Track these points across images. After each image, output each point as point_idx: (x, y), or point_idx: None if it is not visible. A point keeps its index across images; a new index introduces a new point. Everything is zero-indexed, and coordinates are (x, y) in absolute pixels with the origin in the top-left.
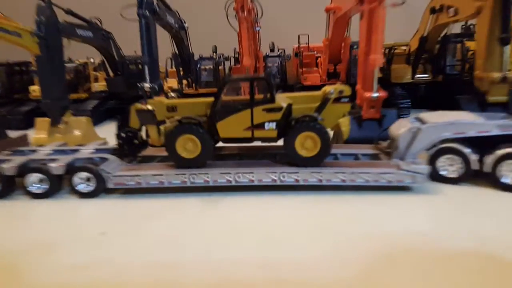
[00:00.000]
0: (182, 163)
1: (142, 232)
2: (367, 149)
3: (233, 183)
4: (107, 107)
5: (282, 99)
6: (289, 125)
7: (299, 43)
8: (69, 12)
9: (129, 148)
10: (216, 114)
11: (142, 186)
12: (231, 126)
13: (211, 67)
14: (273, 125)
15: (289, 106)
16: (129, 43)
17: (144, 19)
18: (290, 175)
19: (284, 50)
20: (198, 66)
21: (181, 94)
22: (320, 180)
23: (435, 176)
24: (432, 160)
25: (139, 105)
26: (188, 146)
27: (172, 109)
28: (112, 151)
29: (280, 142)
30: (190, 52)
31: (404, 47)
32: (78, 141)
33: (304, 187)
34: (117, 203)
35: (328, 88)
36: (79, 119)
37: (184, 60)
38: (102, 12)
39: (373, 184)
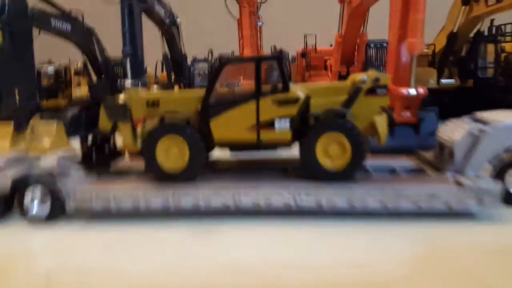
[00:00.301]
0: (163, 177)
1: (105, 273)
2: (406, 161)
3: (232, 207)
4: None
5: (298, 88)
6: (306, 124)
7: (306, 43)
8: None
9: (98, 158)
10: (209, 109)
11: (112, 209)
12: (229, 125)
13: (206, 71)
14: (286, 123)
15: (308, 98)
16: (116, 45)
17: (127, 1)
18: (309, 195)
19: (288, 53)
20: (192, 69)
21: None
22: (352, 204)
23: (505, 197)
24: (499, 175)
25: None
26: (172, 152)
27: (153, 104)
28: (78, 162)
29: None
30: (182, 52)
31: (425, 49)
32: (46, 151)
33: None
34: (77, 232)
35: (358, 76)
36: (49, 125)
37: (176, 62)
38: (85, 8)
39: (426, 209)
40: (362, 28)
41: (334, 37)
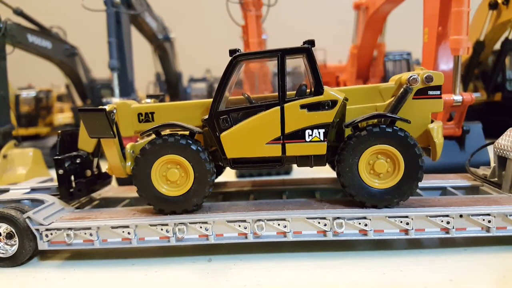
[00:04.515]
0: (161, 205)
1: None
2: (459, 179)
3: (251, 239)
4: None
5: (332, 90)
6: (343, 135)
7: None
8: (19, 13)
9: (78, 184)
10: (219, 119)
11: (96, 246)
12: (246, 139)
13: (204, 93)
14: (319, 133)
15: (345, 101)
16: (103, 66)
17: (113, 8)
18: (351, 222)
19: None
20: (188, 89)
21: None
22: (406, 232)
23: None
24: None
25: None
26: (171, 175)
27: (146, 117)
28: (56, 191)
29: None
30: (176, 71)
31: None
32: (19, 180)
33: (374, 243)
34: (53, 276)
35: (405, 75)
36: (24, 152)
37: (171, 82)
38: (69, 24)
39: (499, 233)
40: (380, 37)
41: (340, 53)
